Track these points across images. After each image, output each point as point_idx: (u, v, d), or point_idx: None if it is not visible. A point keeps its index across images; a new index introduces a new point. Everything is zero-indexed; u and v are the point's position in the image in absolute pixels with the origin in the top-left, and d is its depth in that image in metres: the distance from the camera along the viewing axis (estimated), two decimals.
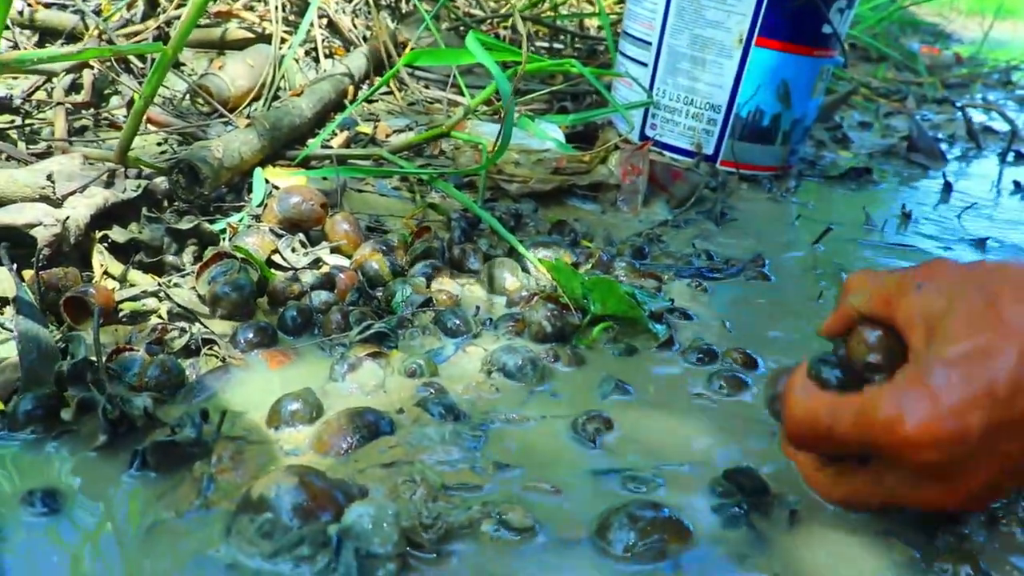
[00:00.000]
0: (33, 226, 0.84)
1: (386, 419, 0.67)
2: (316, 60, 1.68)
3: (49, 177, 0.94)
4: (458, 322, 0.85)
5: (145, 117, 1.38)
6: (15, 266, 0.79)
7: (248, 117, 1.37)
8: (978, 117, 2.57)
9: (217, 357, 0.77)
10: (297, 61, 1.64)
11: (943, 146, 2.10)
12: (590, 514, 0.60)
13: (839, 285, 1.09)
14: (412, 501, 0.57)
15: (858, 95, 2.63)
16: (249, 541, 0.53)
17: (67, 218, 0.85)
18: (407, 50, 1.58)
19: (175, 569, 0.53)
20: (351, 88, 1.55)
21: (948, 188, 1.70)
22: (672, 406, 0.76)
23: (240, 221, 1.04)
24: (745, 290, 1.06)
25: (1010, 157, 2.08)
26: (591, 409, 0.72)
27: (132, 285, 0.89)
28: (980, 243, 1.36)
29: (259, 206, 1.08)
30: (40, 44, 1.54)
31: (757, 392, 0.79)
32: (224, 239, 0.99)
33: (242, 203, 1.10)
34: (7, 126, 1.24)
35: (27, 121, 1.28)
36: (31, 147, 1.19)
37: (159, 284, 0.88)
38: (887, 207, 1.51)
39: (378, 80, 1.50)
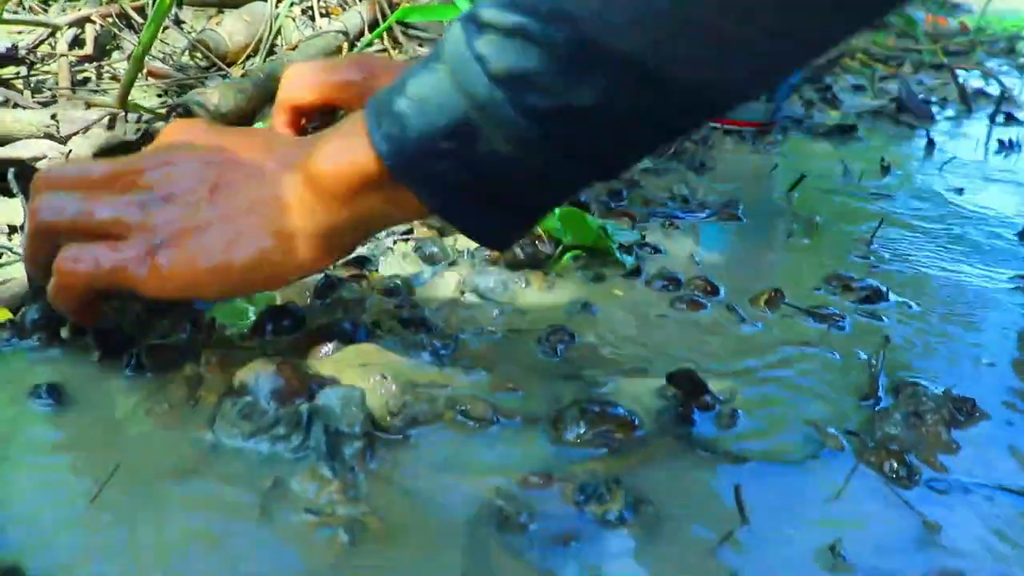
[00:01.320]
0: (38, 159, 0.89)
1: (363, 328, 0.72)
2: (312, 19, 1.72)
3: (53, 116, 0.99)
4: (436, 250, 0.90)
5: (146, 70, 1.43)
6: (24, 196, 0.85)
7: (244, 69, 1.42)
8: (976, 82, 2.60)
9: None
10: (294, 20, 1.68)
11: (934, 108, 2.13)
12: (546, 409, 0.65)
13: (810, 227, 1.14)
14: (381, 394, 0.63)
15: (854, 60, 2.66)
16: (231, 423, 0.59)
17: (70, 152, 0.91)
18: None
19: (165, 448, 0.58)
20: (345, 45, 1.60)
21: (931, 145, 1.74)
22: (633, 324, 0.81)
23: None
24: (716, 229, 1.11)
25: (999, 118, 2.12)
26: (556, 324, 0.77)
27: None
28: (958, 191, 1.40)
29: None
30: (44, 1, 1.58)
31: (715, 313, 0.84)
32: None
33: None
34: (13, 77, 1.30)
35: (32, 72, 1.33)
36: (36, 96, 1.25)
37: None
38: (868, 161, 1.55)
39: (372, 37, 1.54)
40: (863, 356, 0.79)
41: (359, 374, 0.66)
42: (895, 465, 0.63)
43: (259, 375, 0.59)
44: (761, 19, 0.48)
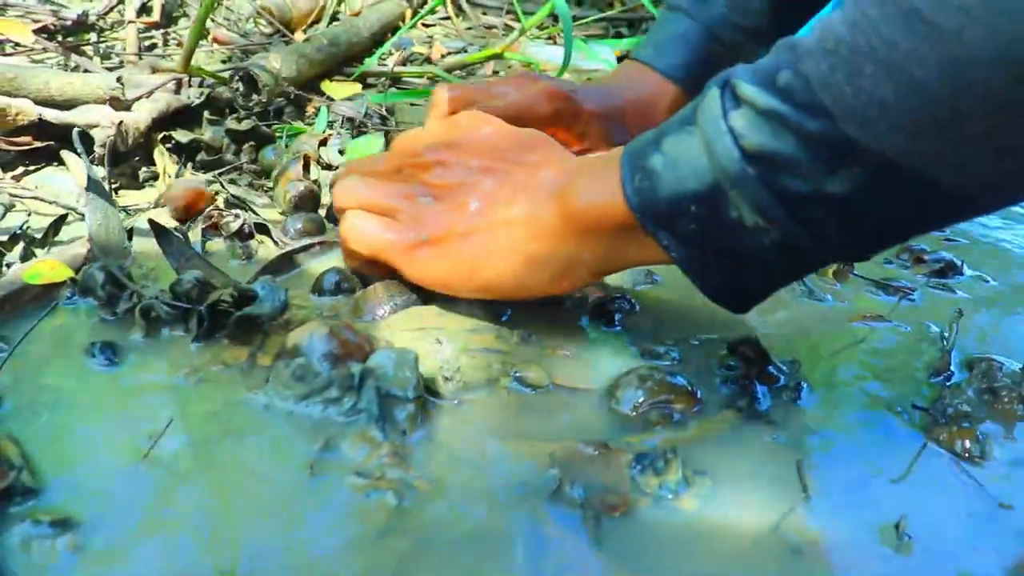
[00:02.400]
0: (93, 126, 0.90)
1: (419, 292, 0.72)
2: None
3: (119, 80, 1.00)
4: None
5: (211, 37, 1.44)
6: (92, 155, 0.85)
7: (307, 35, 1.42)
8: None
9: (274, 242, 0.83)
10: None
11: None
12: (604, 377, 0.64)
13: None
14: (436, 358, 0.62)
15: None
16: (284, 384, 0.58)
17: (121, 123, 0.91)
18: None
19: (219, 408, 0.58)
20: (409, 12, 1.59)
21: None
22: (698, 293, 0.79)
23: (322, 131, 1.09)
24: None
25: None
26: (616, 291, 0.76)
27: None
28: None
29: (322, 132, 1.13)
30: None
31: None
32: (282, 142, 1.04)
33: (309, 121, 1.15)
34: (83, 43, 1.31)
35: (101, 39, 1.35)
36: (105, 62, 1.26)
37: (214, 177, 0.93)
38: None
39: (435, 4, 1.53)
40: (935, 330, 0.76)
41: (414, 337, 0.65)
42: (967, 443, 0.60)
43: (312, 336, 0.59)
44: None
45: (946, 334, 0.73)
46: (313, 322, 0.60)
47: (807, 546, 0.51)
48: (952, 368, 0.70)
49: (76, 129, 0.84)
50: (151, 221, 0.75)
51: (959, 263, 0.89)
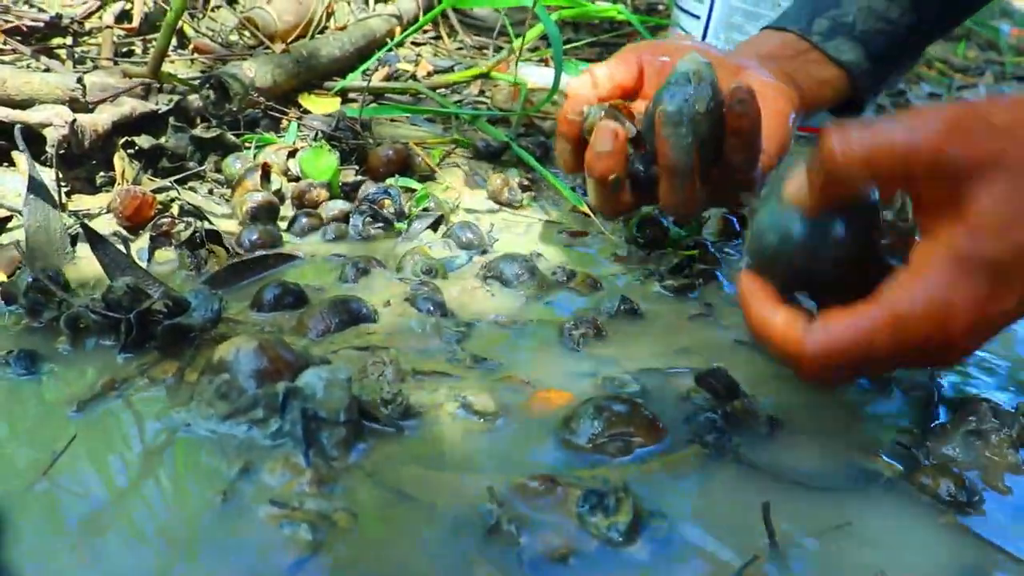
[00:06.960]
0: (45, 126, 0.85)
1: (369, 308, 0.67)
2: (366, 1, 1.68)
3: (79, 81, 0.95)
4: (471, 236, 0.84)
5: (192, 47, 1.41)
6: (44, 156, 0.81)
7: (287, 45, 1.38)
8: None
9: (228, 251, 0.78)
10: (349, 3, 1.64)
11: None
12: (561, 406, 0.59)
13: None
14: (376, 379, 0.57)
15: (932, 70, 2.54)
16: (207, 403, 0.53)
17: (75, 122, 0.86)
18: None
19: (132, 426, 0.54)
20: (397, 29, 1.55)
21: None
22: (670, 323, 0.74)
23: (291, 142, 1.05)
24: None
25: None
26: (582, 315, 0.70)
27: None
28: None
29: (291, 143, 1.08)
30: None
31: None
32: (249, 152, 1.00)
33: (285, 134, 1.11)
34: (58, 47, 1.28)
35: (78, 43, 1.31)
36: (78, 66, 1.22)
37: (170, 183, 0.89)
38: None
39: (424, 21, 1.49)
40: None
41: (356, 357, 0.61)
42: (952, 488, 0.55)
43: (239, 351, 0.54)
44: None
45: (936, 372, 0.68)
46: (241, 336, 0.55)
47: None
48: (940, 408, 0.65)
49: (18, 126, 0.79)
50: (85, 227, 0.70)
51: None
